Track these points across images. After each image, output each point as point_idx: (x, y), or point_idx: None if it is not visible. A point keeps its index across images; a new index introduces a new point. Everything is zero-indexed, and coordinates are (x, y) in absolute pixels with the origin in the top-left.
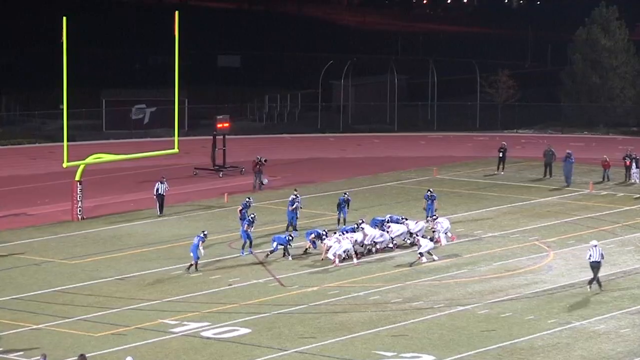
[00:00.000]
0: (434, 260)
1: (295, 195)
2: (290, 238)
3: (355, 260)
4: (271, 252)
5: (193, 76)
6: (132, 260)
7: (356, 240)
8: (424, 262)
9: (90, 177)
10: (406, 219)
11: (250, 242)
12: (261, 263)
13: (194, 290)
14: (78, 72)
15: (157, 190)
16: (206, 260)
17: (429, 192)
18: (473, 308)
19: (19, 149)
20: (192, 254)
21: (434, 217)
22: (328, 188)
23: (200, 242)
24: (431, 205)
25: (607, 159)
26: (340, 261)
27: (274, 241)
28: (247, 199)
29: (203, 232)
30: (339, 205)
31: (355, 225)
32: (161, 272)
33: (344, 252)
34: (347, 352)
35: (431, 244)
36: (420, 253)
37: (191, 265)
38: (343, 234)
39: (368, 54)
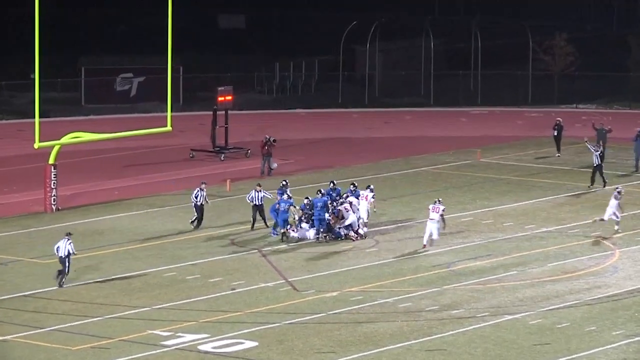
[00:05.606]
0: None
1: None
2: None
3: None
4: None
5: (189, 40)
6: (117, 260)
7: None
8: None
9: (66, 160)
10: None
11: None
12: (271, 264)
13: (190, 295)
14: (52, 35)
15: (196, 197)
16: (205, 260)
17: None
18: (523, 317)
19: None
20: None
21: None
22: (350, 174)
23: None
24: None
25: None
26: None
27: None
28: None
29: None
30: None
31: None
32: (151, 274)
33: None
34: None
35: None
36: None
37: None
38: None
39: (398, 14)
